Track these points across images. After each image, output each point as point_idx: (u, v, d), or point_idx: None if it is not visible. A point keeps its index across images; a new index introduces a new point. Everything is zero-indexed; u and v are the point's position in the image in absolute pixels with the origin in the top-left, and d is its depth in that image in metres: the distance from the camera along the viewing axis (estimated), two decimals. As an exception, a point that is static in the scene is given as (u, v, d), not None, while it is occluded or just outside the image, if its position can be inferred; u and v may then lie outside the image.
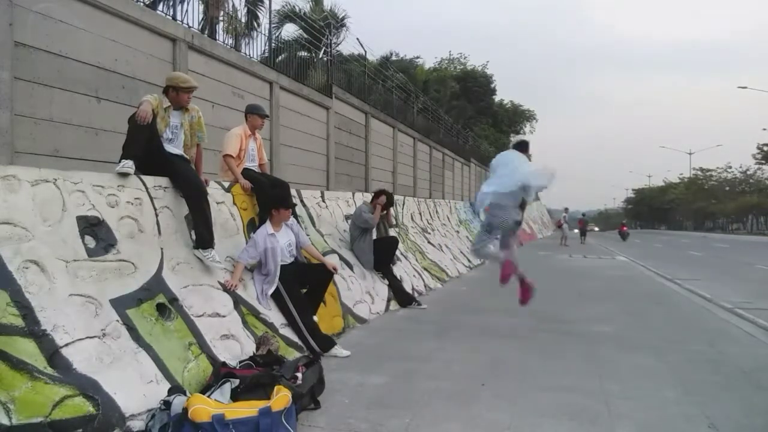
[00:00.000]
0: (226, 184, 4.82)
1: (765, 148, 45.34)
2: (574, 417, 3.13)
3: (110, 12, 5.21)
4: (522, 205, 5.15)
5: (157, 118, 3.87)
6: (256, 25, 9.64)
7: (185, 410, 2.51)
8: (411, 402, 3.36)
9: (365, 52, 14.07)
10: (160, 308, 3.38)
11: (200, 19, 7.86)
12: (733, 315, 6.70)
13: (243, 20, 9.07)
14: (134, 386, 2.82)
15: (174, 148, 4.05)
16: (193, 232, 3.98)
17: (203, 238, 3.95)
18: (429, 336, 5.19)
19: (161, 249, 3.69)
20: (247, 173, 5.05)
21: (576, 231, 28.93)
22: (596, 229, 42.87)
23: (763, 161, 46.82)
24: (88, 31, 4.98)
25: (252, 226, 4.94)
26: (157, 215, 3.76)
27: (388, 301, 6.59)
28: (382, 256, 6.73)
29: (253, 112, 5.23)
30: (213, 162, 5.54)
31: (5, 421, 2.30)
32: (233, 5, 9.22)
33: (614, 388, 3.65)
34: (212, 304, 3.81)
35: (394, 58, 28.73)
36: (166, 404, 2.61)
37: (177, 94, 3.99)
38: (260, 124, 5.28)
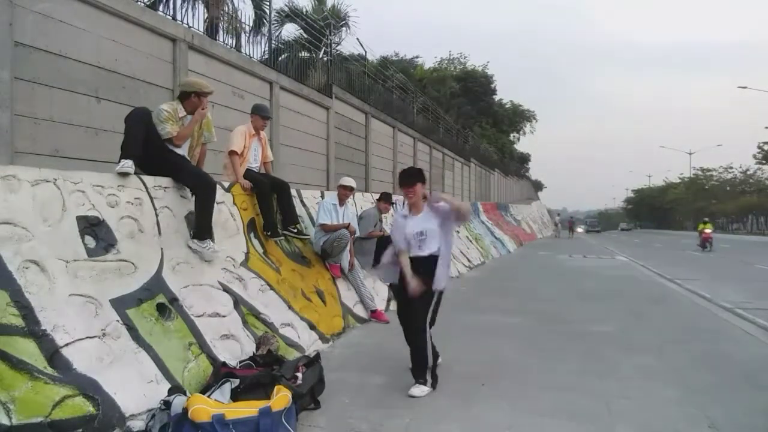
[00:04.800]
0: (226, 184, 4.82)
1: (765, 148, 45.30)
2: (574, 417, 3.13)
3: (110, 12, 5.21)
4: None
5: (167, 123, 3.89)
6: (263, 23, 9.63)
7: (185, 410, 2.51)
8: (411, 402, 3.36)
9: (365, 52, 14.08)
10: (160, 308, 3.38)
11: (205, 17, 7.84)
12: (733, 315, 6.70)
13: (248, 22, 9.05)
14: (134, 386, 2.82)
15: (178, 149, 4.05)
16: (192, 232, 3.97)
17: (204, 230, 3.96)
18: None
19: (161, 249, 3.68)
20: (247, 173, 5.06)
21: (580, 230, 37.75)
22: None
23: (764, 161, 46.80)
24: (88, 31, 4.99)
25: (252, 226, 4.94)
26: (157, 215, 3.76)
27: (388, 301, 6.59)
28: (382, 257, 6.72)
29: (254, 113, 5.26)
30: (213, 162, 5.53)
31: (5, 421, 2.30)
32: (233, 5, 9.21)
33: (614, 388, 3.65)
34: (212, 304, 3.81)
35: (393, 57, 28.78)
36: (166, 404, 2.61)
37: (199, 99, 4.06)
38: (262, 125, 5.30)
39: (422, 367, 3.64)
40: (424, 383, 3.59)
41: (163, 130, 3.88)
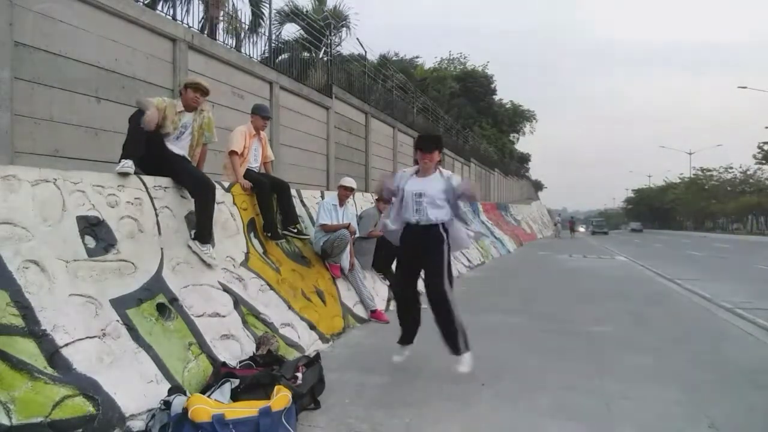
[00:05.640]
0: (226, 184, 4.82)
1: (765, 148, 45.28)
2: (574, 417, 3.13)
3: (110, 12, 5.21)
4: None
5: (167, 120, 3.90)
6: (261, 23, 9.66)
7: (185, 410, 2.51)
8: (411, 402, 3.35)
9: (365, 52, 14.10)
10: (160, 308, 3.38)
11: (200, 18, 7.86)
12: (733, 315, 6.69)
13: (246, 21, 9.07)
14: (134, 386, 2.82)
15: (178, 149, 4.05)
16: (193, 232, 3.98)
17: (205, 233, 3.96)
18: (429, 336, 5.18)
19: (161, 249, 3.68)
20: (247, 174, 5.06)
21: (582, 229, 38.97)
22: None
23: (764, 161, 46.78)
24: (88, 31, 4.99)
25: (252, 226, 4.94)
26: (157, 215, 3.77)
27: (388, 301, 6.59)
28: (383, 256, 6.73)
29: (254, 113, 5.27)
30: (214, 162, 5.54)
31: (5, 421, 2.30)
32: (233, 5, 9.22)
33: (614, 388, 3.65)
34: (212, 304, 3.81)
35: (393, 57, 28.77)
36: (166, 404, 2.61)
37: (186, 91, 4.06)
38: (262, 126, 5.31)
39: (454, 337, 3.52)
40: (466, 351, 3.52)
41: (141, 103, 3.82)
